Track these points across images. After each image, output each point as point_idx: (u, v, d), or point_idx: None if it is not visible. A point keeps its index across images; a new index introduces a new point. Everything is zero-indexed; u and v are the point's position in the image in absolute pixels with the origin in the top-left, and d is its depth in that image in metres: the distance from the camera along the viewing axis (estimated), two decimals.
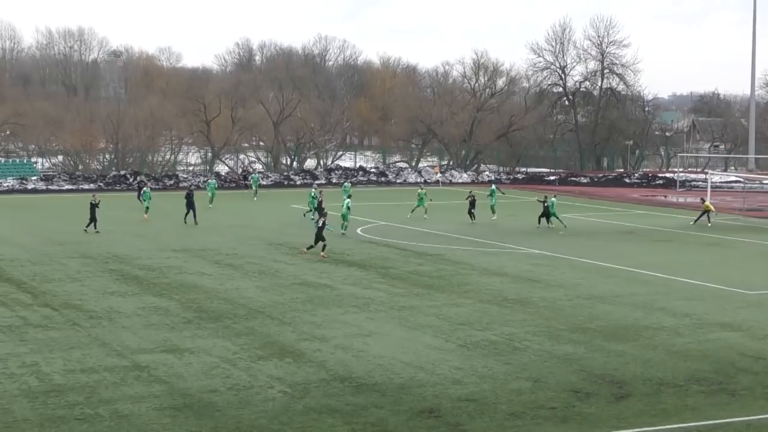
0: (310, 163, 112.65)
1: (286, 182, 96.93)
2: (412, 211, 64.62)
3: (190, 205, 60.74)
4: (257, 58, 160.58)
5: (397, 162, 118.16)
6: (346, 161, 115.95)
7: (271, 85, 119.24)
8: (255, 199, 77.80)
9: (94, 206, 55.33)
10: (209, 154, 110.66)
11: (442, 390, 24.88)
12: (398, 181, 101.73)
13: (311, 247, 47.07)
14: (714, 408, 23.65)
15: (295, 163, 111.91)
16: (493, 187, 67.97)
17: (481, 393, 24.65)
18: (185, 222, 60.22)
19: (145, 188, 65.51)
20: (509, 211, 68.27)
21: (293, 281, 40.97)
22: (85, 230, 54.86)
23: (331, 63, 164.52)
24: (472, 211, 62.60)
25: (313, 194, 64.67)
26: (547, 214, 59.40)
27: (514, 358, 28.29)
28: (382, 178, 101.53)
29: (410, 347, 29.37)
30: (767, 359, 28.38)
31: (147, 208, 62.06)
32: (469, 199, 63.40)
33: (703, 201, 64.80)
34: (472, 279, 42.00)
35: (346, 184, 74.65)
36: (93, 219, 55.17)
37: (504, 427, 21.98)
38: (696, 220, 62.42)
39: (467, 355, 28.59)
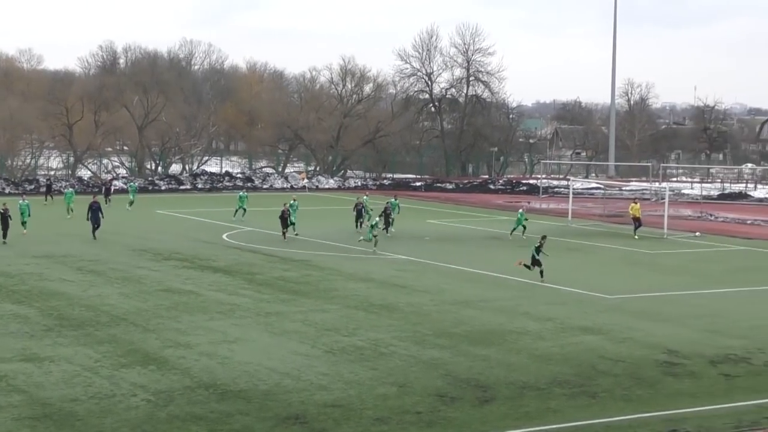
0: (175, 168, 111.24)
1: (150, 187, 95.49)
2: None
3: (94, 215, 56.77)
4: (121, 61, 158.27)
5: (264, 167, 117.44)
6: (213, 166, 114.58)
7: (136, 89, 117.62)
8: (128, 208, 74.48)
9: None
10: (71, 159, 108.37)
11: (308, 396, 24.86)
12: (265, 186, 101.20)
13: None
14: (575, 410, 24.07)
15: (160, 168, 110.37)
16: (395, 200, 67.45)
17: (347, 399, 24.69)
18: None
19: (20, 200, 60.93)
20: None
21: (157, 288, 40.50)
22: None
23: (197, 67, 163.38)
24: (360, 220, 61.53)
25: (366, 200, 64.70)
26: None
27: (380, 363, 28.39)
28: (249, 184, 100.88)
29: (276, 353, 29.28)
30: (626, 362, 28.99)
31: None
32: (357, 208, 62.34)
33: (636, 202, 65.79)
34: (338, 285, 42.03)
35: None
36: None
37: None
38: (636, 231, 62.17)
39: (333, 360, 28.61)
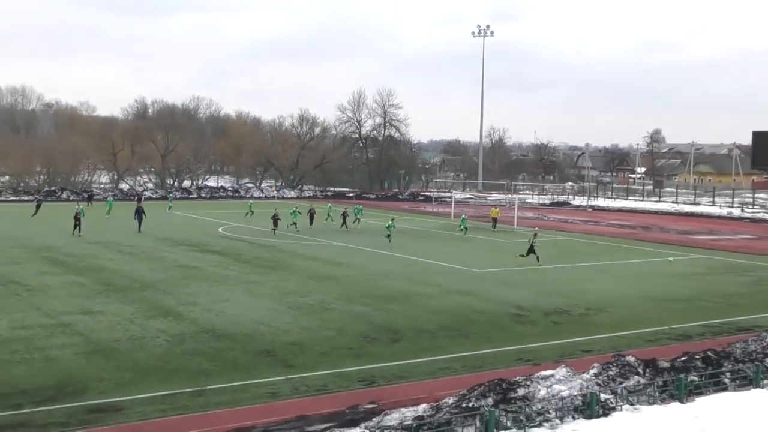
0: (186, 183, 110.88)
1: (168, 196, 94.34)
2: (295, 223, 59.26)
3: (138, 215, 55.06)
4: (150, 110, 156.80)
5: (246, 183, 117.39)
6: (212, 182, 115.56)
7: (160, 129, 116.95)
8: (169, 210, 71.30)
9: (77, 216, 51.88)
10: (115, 176, 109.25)
11: (276, 337, 24.77)
12: (247, 195, 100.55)
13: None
14: (455, 346, 24.25)
15: (176, 183, 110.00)
16: (329, 204, 66.51)
17: (303, 339, 24.63)
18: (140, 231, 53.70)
19: (77, 206, 54.50)
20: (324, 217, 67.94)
21: (174, 264, 40.05)
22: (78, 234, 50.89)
23: (201, 115, 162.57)
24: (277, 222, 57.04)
25: (330, 207, 63.74)
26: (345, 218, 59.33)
27: (324, 315, 28.35)
28: (236, 194, 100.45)
29: (254, 308, 29.11)
30: (489, 314, 29.22)
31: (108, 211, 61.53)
32: (310, 212, 60.24)
33: (495, 207, 66.23)
34: (296, 262, 41.84)
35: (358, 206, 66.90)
36: (77, 223, 51.59)
37: (318, 362, 22.02)
38: (494, 227, 62.47)
39: (293, 314, 28.50)
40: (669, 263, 43.63)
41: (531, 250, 42.77)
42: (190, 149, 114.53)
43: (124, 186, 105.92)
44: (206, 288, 33.28)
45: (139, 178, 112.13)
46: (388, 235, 50.68)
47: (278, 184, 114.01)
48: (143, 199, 77.98)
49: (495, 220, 63.31)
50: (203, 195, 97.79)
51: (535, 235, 45.13)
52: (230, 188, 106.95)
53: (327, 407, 17.90)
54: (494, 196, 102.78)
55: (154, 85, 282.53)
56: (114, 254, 43.28)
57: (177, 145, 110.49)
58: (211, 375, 20.51)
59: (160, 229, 56.09)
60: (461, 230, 58.24)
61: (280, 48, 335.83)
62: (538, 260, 42.34)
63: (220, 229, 57.95)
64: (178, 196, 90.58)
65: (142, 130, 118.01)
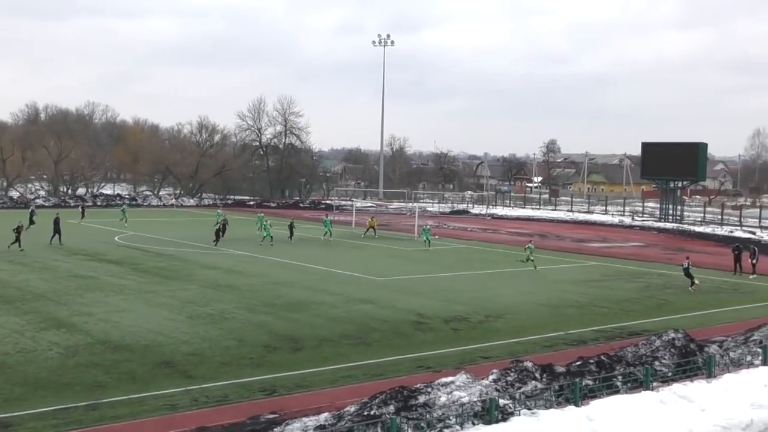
0: (81, 191, 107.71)
1: (63, 204, 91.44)
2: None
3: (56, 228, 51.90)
4: (42, 115, 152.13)
5: (144, 191, 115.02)
6: (108, 190, 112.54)
7: (52, 135, 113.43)
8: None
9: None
10: (5, 183, 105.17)
11: (175, 348, 24.32)
12: (145, 204, 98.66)
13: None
14: (357, 354, 24.29)
15: (69, 191, 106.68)
16: (260, 215, 64.80)
17: (202, 349, 24.27)
18: (51, 243, 50.97)
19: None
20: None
21: (68, 274, 38.88)
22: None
23: (97, 121, 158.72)
24: (220, 232, 55.54)
25: (261, 218, 60.11)
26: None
27: (225, 325, 28.00)
28: (133, 202, 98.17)
29: (152, 319, 28.52)
30: (390, 321, 29.39)
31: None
32: (222, 224, 56.97)
33: (372, 218, 66.51)
34: (195, 271, 41.21)
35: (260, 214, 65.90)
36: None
37: (218, 372, 21.73)
38: (365, 233, 63.37)
39: (192, 323, 28.06)
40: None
41: (528, 259, 45.77)
42: (84, 156, 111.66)
43: (15, 194, 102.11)
44: (102, 298, 32.40)
45: (30, 185, 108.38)
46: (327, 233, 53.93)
47: (177, 192, 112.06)
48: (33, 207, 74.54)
49: (371, 228, 63.99)
50: (99, 203, 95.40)
51: (530, 242, 48.38)
52: (127, 196, 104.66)
53: (227, 418, 17.68)
54: (395, 204, 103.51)
55: (48, 90, 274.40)
56: (4, 264, 41.65)
57: (71, 151, 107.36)
58: (107, 388, 19.97)
59: (54, 238, 54.33)
60: (425, 242, 57.18)
61: (178, 54, 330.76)
62: (535, 267, 45.12)
63: (116, 238, 56.56)
64: (72, 204, 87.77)
65: (33, 136, 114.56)
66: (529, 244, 47.74)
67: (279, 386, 20.57)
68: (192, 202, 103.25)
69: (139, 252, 49.05)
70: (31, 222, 58.22)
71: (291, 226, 59.76)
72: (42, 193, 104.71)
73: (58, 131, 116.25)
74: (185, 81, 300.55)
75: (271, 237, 55.41)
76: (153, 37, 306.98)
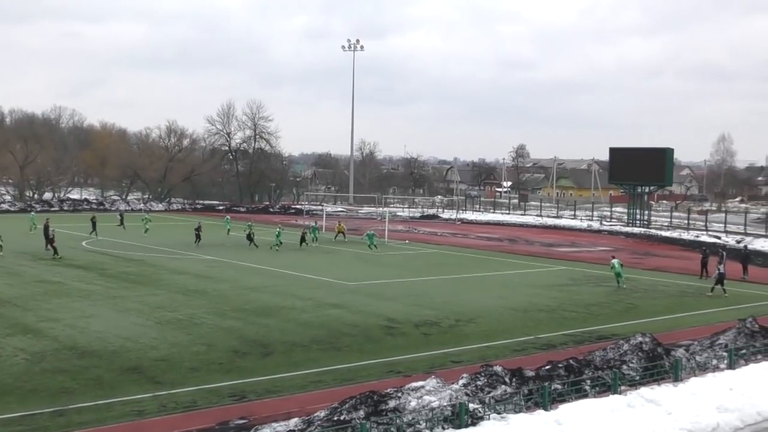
0: (47, 196, 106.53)
1: (28, 209, 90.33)
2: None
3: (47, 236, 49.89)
4: (7, 119, 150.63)
5: (112, 195, 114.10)
6: (75, 194, 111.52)
7: (18, 140, 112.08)
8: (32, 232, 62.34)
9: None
10: None
11: (143, 353, 24.11)
12: (112, 209, 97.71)
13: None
14: (327, 359, 24.23)
15: (36, 195, 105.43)
16: (227, 219, 64.48)
17: (171, 355, 24.09)
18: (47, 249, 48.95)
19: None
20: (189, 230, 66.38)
21: (34, 279, 38.46)
22: None
23: (64, 125, 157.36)
24: (199, 234, 56.91)
25: (279, 230, 58.55)
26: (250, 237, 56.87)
27: (194, 330, 27.82)
28: (101, 207, 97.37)
29: (120, 324, 28.25)
30: (360, 326, 29.36)
31: None
32: (197, 230, 57.31)
33: (340, 223, 66.50)
34: (164, 276, 40.93)
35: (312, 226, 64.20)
36: None
37: (187, 378, 21.57)
38: (335, 237, 63.60)
39: (161, 329, 27.84)
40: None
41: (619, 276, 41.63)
42: (51, 160, 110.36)
43: None
44: (69, 304, 32.05)
45: None
46: (276, 245, 53.27)
47: (146, 196, 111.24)
48: None
49: (341, 232, 64.45)
50: (66, 208, 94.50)
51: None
52: (95, 201, 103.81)
53: (196, 424, 17.55)
54: (366, 209, 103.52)
55: (13, 94, 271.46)
56: None
57: (37, 155, 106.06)
58: (74, 394, 19.75)
59: (20, 243, 53.70)
60: (370, 247, 56.92)
61: (145, 58, 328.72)
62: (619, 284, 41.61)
63: (83, 243, 56.02)
64: (38, 209, 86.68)
65: None
66: (614, 260, 43.18)
67: (248, 391, 20.46)
68: (161, 206, 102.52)
69: (106, 257, 48.60)
70: None
71: (249, 235, 57.46)
72: (7, 197, 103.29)
73: (24, 135, 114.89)
74: (153, 85, 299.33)
75: (280, 243, 55.70)
76: (120, 41, 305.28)
